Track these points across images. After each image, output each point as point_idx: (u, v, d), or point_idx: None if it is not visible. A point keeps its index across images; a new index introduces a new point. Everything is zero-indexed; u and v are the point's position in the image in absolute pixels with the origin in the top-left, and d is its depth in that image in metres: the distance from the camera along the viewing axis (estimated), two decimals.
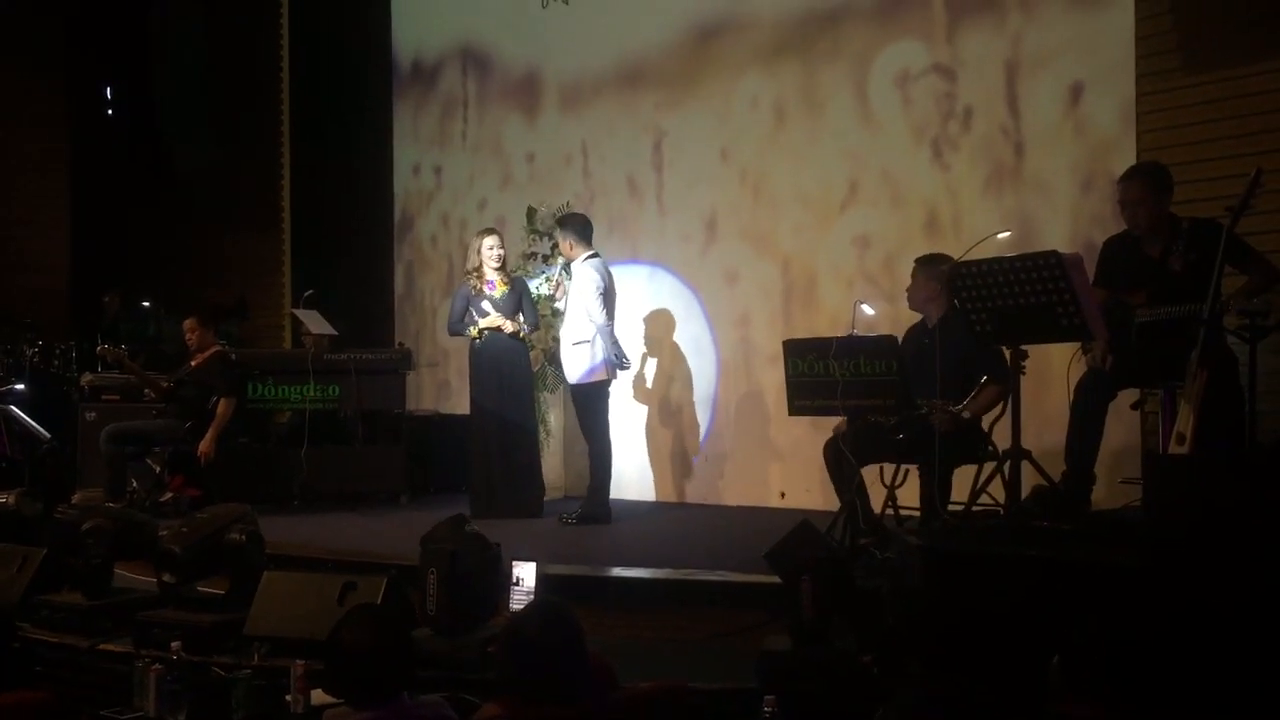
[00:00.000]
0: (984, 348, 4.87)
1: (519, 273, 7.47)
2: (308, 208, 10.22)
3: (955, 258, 4.70)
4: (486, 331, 6.82)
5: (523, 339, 6.96)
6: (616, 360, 6.70)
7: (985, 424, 5.19)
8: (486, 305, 6.86)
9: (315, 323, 8.10)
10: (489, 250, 6.92)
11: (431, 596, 4.51)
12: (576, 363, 6.70)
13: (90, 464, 7.72)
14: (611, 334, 6.66)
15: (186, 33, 10.71)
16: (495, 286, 6.92)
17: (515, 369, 6.91)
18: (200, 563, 4.97)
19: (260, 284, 10.34)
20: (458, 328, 6.94)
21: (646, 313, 8.01)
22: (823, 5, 7.23)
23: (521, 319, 6.95)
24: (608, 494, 6.76)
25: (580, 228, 6.77)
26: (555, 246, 7.36)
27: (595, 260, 6.71)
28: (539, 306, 7.41)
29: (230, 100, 10.53)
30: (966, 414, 5.14)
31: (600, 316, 6.59)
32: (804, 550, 4.41)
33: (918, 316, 5.59)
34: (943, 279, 5.00)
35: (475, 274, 6.95)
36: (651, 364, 8.00)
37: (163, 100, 10.84)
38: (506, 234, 7.37)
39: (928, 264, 5.46)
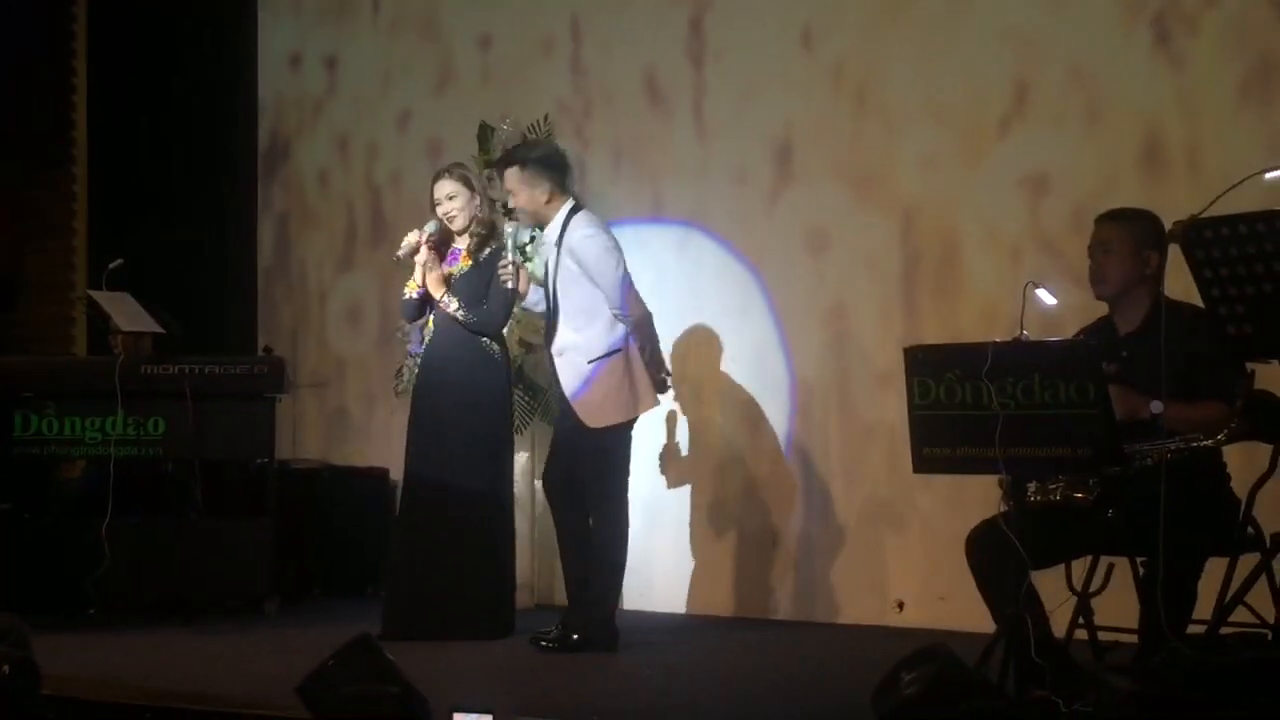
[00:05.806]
0: (1227, 360, 4.46)
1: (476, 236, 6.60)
2: (114, 128, 9.17)
3: (1190, 214, 4.23)
4: (401, 255, 6.13)
5: (462, 321, 6.19)
6: (659, 373, 6.03)
7: (1237, 484, 4.77)
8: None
9: (126, 313, 7.20)
10: (439, 204, 6.20)
11: None
12: (597, 393, 5.89)
13: None
14: (650, 327, 6.02)
15: None
16: (458, 258, 6.23)
17: (483, 391, 6.17)
18: None
19: (36, 250, 9.31)
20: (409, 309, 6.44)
21: (675, 301, 7.14)
22: None
23: (461, 306, 6.16)
24: (616, 602, 6.07)
25: (557, 165, 6.04)
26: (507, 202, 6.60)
27: (586, 215, 5.98)
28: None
29: None
30: (1210, 440, 4.61)
31: (624, 303, 5.86)
32: (937, 697, 4.03)
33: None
34: (1152, 244, 4.73)
35: (436, 235, 6.26)
36: (683, 387, 7.15)
37: None
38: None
39: (1124, 222, 4.98)
